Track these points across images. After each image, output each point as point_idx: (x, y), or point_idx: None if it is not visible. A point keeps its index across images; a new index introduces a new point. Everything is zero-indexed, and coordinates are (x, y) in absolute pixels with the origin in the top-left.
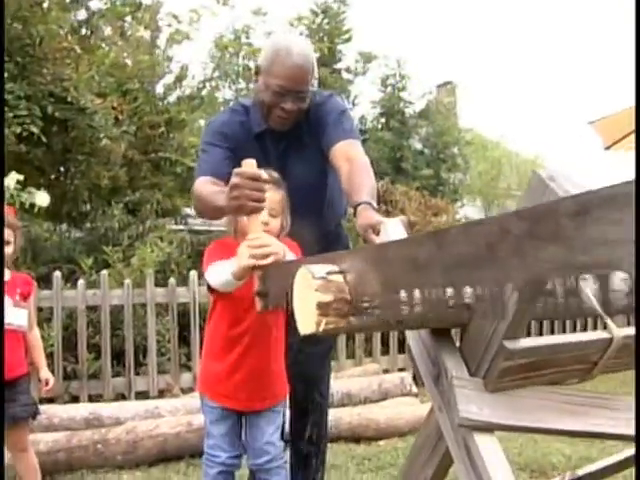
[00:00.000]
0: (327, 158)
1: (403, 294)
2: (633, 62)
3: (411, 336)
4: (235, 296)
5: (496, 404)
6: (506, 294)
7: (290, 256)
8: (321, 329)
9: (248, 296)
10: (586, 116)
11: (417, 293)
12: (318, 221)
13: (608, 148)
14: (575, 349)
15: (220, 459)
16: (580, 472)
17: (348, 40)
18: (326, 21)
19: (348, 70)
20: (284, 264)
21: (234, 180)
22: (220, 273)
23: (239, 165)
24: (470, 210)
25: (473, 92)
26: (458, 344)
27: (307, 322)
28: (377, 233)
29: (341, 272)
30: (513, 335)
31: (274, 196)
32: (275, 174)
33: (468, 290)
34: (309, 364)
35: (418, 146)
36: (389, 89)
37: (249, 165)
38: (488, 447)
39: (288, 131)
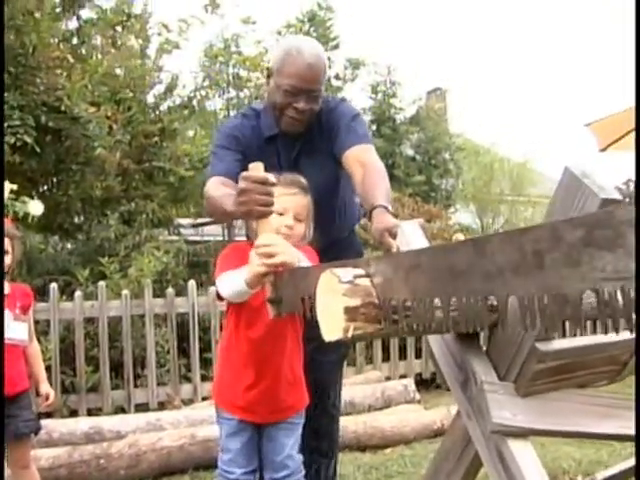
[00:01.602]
0: (340, 163)
1: (436, 300)
2: (633, 62)
3: (434, 340)
4: (250, 304)
5: (529, 409)
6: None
7: (305, 263)
8: (349, 335)
9: (263, 304)
10: (580, 119)
11: (452, 300)
12: (330, 227)
13: (604, 150)
14: (606, 350)
15: (234, 475)
16: (599, 477)
17: (336, 47)
18: (313, 29)
19: (337, 77)
20: (298, 270)
21: (241, 184)
22: (231, 283)
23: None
24: (463, 216)
25: (463, 98)
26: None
27: (333, 328)
28: (394, 236)
29: (368, 276)
30: (545, 337)
31: (301, 201)
32: (302, 179)
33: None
34: (321, 373)
35: (410, 152)
36: (379, 96)
37: (256, 169)
38: (523, 453)
39: (300, 135)
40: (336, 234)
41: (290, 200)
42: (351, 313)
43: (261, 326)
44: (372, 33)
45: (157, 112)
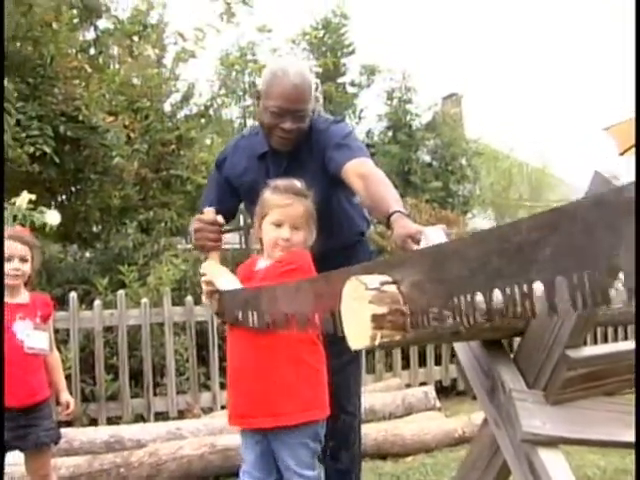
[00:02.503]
0: (332, 179)
1: (462, 302)
2: (633, 63)
3: (460, 348)
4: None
5: (559, 417)
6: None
7: (225, 277)
8: (377, 343)
9: None
10: (599, 123)
11: (478, 298)
12: (329, 237)
13: (622, 154)
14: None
15: None
16: None
17: (351, 53)
18: (327, 36)
19: (353, 84)
20: (232, 290)
21: (195, 225)
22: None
23: (242, 186)
24: (481, 222)
25: (480, 103)
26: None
27: (360, 336)
28: (417, 242)
29: (394, 282)
30: (575, 343)
31: (296, 209)
32: (299, 184)
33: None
34: (334, 376)
35: (426, 158)
36: (395, 102)
37: (208, 212)
38: (553, 462)
39: (290, 152)
40: (340, 241)
41: (285, 212)
42: (378, 321)
43: (249, 340)
44: (387, 39)
45: (174, 121)
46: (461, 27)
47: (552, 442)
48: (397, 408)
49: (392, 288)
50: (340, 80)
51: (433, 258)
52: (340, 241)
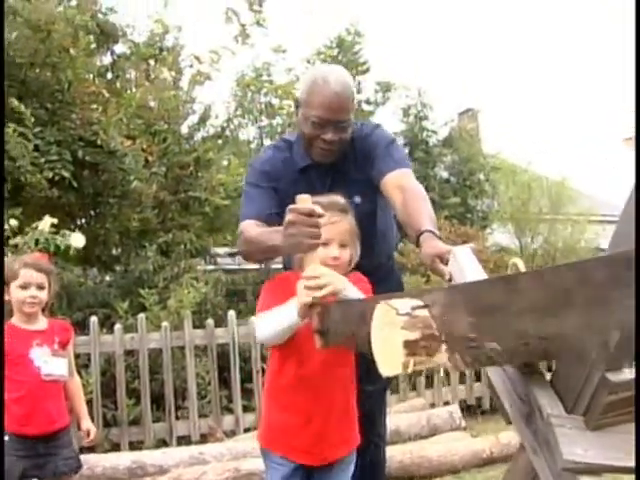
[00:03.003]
0: (378, 190)
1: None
2: (633, 63)
3: (494, 371)
4: (297, 340)
5: (601, 444)
6: None
7: (352, 289)
8: (409, 370)
9: (311, 338)
10: (618, 134)
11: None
12: (369, 255)
13: None
14: None
15: None
16: None
17: (366, 71)
18: (342, 54)
19: (368, 101)
20: (345, 301)
21: (290, 217)
22: (272, 321)
23: (283, 203)
24: (501, 236)
25: (495, 118)
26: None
27: (392, 363)
28: (445, 262)
29: (426, 306)
30: (616, 366)
31: (342, 225)
32: (341, 200)
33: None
34: (367, 403)
35: (444, 175)
36: (411, 119)
37: (304, 201)
38: None
39: (333, 164)
40: (377, 260)
41: (332, 229)
42: (411, 347)
43: (312, 362)
44: (401, 56)
45: (191, 143)
46: (474, 42)
47: (595, 470)
48: (422, 429)
49: (424, 312)
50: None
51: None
52: (381, 256)
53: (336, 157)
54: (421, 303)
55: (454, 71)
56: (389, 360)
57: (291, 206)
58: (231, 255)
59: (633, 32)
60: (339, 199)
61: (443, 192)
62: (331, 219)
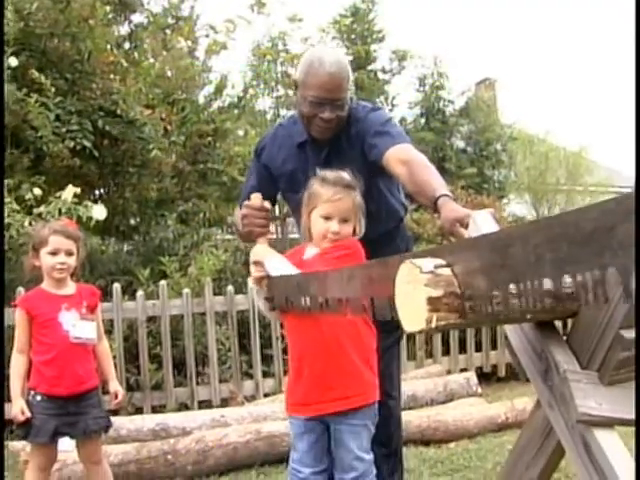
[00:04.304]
0: (377, 170)
1: (515, 286)
2: (633, 62)
3: (512, 330)
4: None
5: (615, 398)
6: None
7: (272, 261)
8: (433, 326)
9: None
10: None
11: (530, 285)
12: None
13: None
14: None
15: (303, 474)
16: None
17: (381, 40)
18: (356, 24)
19: (384, 70)
20: (283, 276)
21: (243, 211)
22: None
23: (280, 175)
24: (517, 207)
25: (513, 87)
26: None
27: (416, 319)
28: (465, 227)
29: (448, 265)
30: (629, 324)
31: (346, 203)
32: (347, 176)
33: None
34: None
35: (460, 145)
36: (427, 88)
37: (256, 198)
38: (610, 443)
39: (328, 140)
40: (372, 231)
41: (334, 206)
42: (434, 304)
43: (305, 325)
44: (417, 24)
45: (209, 112)
46: (491, 10)
47: (608, 423)
48: (439, 395)
49: (446, 271)
50: (371, 67)
51: (492, 244)
52: (380, 228)
53: (333, 134)
54: (444, 262)
55: (471, 40)
56: (413, 316)
57: (245, 202)
58: None
59: (633, 32)
60: (345, 175)
61: (460, 162)
62: (335, 196)
